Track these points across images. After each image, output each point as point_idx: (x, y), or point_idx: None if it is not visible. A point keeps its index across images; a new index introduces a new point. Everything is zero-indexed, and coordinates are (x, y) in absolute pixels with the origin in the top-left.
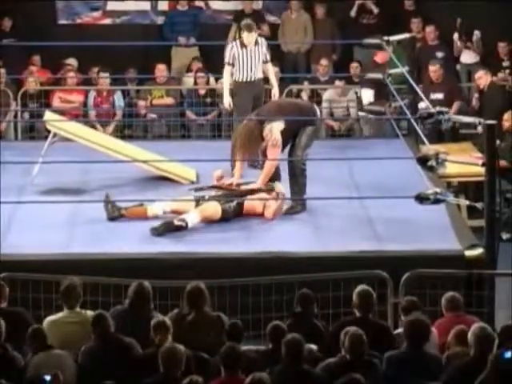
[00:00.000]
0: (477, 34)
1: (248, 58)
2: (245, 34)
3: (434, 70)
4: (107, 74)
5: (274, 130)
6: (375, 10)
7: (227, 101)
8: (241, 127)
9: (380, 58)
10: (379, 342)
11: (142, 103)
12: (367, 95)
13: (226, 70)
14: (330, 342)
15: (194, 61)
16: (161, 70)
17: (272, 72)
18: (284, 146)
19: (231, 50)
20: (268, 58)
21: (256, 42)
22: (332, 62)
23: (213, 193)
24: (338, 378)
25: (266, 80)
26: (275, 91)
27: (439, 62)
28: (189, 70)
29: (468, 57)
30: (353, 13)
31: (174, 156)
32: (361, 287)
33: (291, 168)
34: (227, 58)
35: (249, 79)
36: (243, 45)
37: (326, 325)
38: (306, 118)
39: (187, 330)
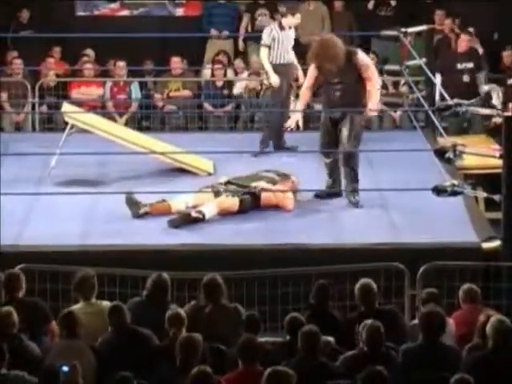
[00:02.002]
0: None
1: (286, 41)
2: (288, 17)
3: (507, 54)
4: (124, 63)
5: (365, 56)
6: (393, 3)
7: (275, 79)
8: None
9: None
10: (390, 328)
11: (158, 96)
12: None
13: (264, 51)
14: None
15: (220, 54)
16: (176, 62)
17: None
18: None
19: (271, 32)
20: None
21: (290, 26)
22: None
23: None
24: (355, 370)
25: None
26: (300, 74)
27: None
28: (213, 62)
29: None
30: (370, 5)
31: (191, 148)
32: (361, 282)
33: (348, 158)
34: (266, 39)
35: (286, 61)
36: (282, 27)
37: (344, 315)
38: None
39: (204, 321)
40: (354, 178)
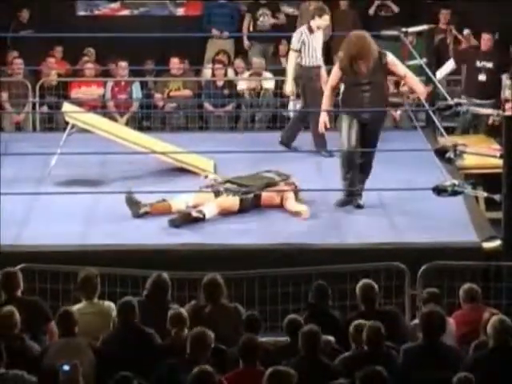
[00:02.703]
0: (467, 31)
1: (315, 44)
2: (316, 19)
3: None
4: (126, 63)
5: (394, 57)
6: (395, 9)
7: (290, 88)
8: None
9: None
10: (390, 329)
11: (158, 96)
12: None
13: (292, 56)
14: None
15: (220, 53)
16: (175, 63)
17: None
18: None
19: (300, 36)
20: None
21: (318, 27)
22: None
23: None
24: (356, 370)
25: None
26: (324, 74)
27: None
28: (213, 62)
29: None
30: (371, 11)
31: (192, 147)
32: (362, 281)
33: (363, 164)
34: (295, 44)
35: (316, 64)
36: (311, 30)
37: (343, 315)
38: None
39: (204, 321)
40: (362, 181)
